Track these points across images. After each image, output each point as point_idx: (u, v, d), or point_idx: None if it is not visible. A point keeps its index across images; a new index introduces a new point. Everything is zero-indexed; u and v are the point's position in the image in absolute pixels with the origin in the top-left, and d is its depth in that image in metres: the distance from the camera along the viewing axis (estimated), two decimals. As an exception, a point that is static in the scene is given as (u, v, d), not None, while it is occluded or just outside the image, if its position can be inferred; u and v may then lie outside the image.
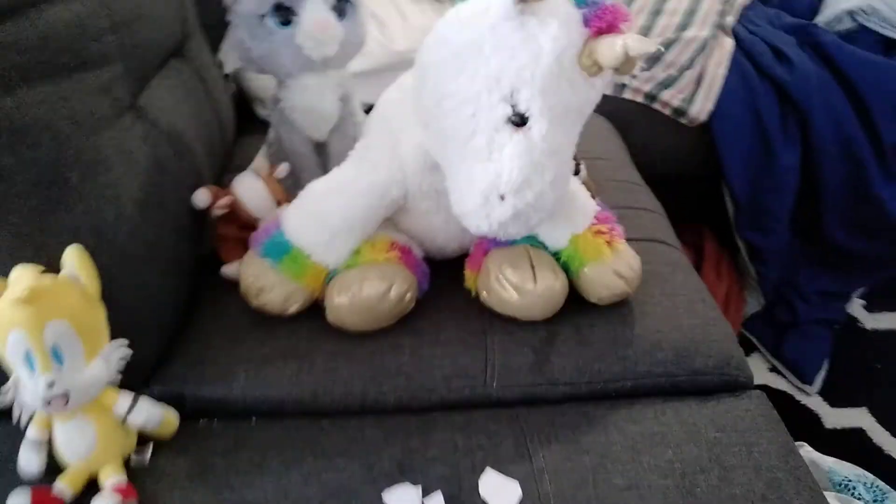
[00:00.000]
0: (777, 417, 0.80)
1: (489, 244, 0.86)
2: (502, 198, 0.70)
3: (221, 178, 1.07)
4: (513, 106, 0.69)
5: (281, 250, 0.81)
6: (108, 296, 0.69)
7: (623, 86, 1.49)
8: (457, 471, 0.72)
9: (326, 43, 0.92)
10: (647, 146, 1.43)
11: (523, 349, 0.83)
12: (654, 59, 1.47)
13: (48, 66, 0.68)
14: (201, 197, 0.89)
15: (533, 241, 0.86)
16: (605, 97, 0.75)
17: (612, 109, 1.44)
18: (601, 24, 0.68)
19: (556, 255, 0.86)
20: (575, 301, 0.86)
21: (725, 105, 1.43)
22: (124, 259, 0.75)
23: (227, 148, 1.20)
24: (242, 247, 0.89)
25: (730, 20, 1.55)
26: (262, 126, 1.06)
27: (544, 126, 0.69)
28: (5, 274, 0.64)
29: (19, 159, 0.65)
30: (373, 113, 0.90)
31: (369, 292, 0.79)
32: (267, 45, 0.91)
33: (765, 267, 1.53)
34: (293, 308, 0.83)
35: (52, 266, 0.66)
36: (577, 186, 0.88)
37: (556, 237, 0.85)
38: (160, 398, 0.75)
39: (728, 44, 1.50)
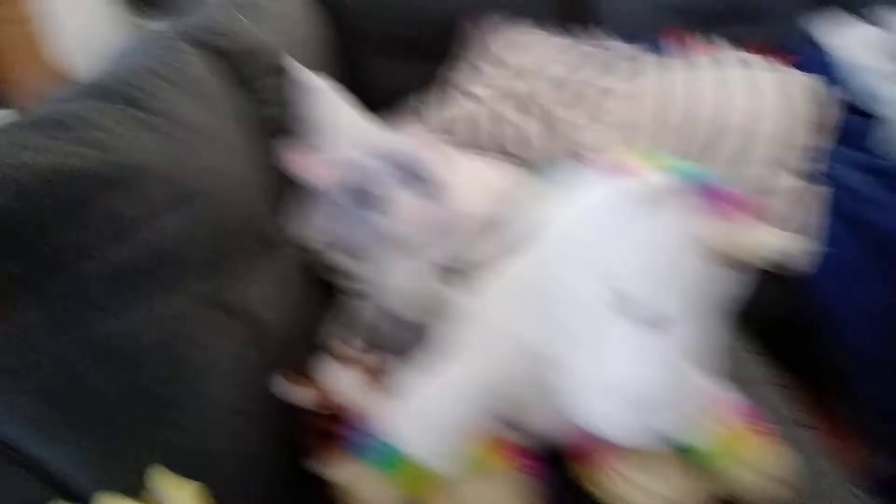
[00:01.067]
0: None
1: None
2: (655, 410, 0.63)
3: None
4: (637, 303, 0.64)
5: (389, 458, 0.75)
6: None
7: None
8: None
9: (418, 229, 0.91)
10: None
11: None
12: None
13: (162, 279, 0.67)
14: (284, 390, 0.84)
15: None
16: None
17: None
18: (724, 209, 0.64)
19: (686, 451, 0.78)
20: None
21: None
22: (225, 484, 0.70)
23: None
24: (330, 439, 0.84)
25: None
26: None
27: (688, 328, 0.64)
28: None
29: (124, 381, 0.62)
30: (468, 299, 0.86)
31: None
32: (358, 231, 0.90)
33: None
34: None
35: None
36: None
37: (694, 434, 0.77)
38: None
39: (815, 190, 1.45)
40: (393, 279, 0.94)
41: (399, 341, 0.99)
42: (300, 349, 0.99)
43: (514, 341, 0.76)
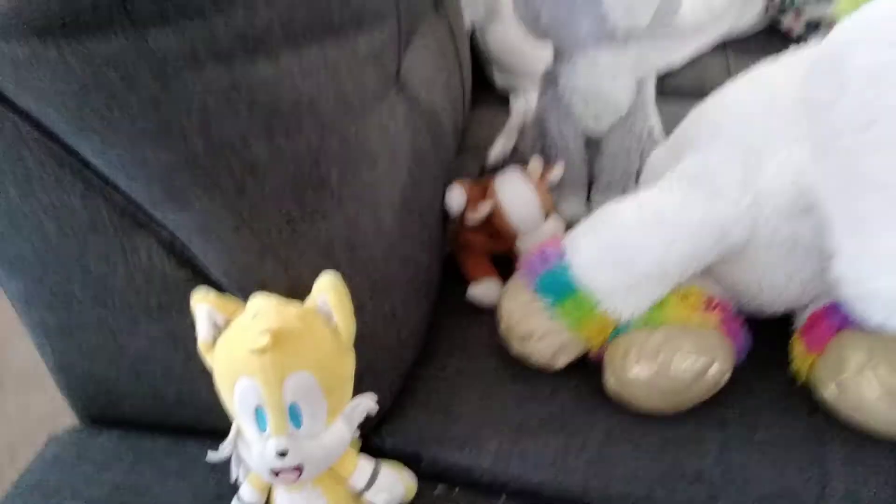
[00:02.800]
0: None
1: (840, 318, 0.62)
2: None
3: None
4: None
5: (563, 290, 0.62)
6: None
7: None
8: None
9: (640, 10, 0.70)
10: None
11: (882, 481, 0.59)
12: None
13: (316, 27, 0.51)
14: (457, 198, 0.71)
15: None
16: None
17: None
18: None
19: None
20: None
21: None
22: (377, 284, 0.59)
23: (464, 124, 1.02)
24: (490, 261, 0.72)
25: None
26: (497, 98, 0.87)
27: None
28: (236, 285, 0.50)
29: (275, 150, 0.49)
30: (703, 114, 0.67)
31: (682, 369, 0.58)
32: (565, 7, 0.71)
33: None
34: (562, 362, 0.64)
35: (295, 288, 0.50)
36: None
37: None
38: (392, 453, 0.60)
39: None
40: (588, 78, 0.75)
41: (577, 158, 0.83)
42: (454, 147, 0.85)
43: (777, 176, 0.58)
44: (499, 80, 1.20)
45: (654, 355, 0.59)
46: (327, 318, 0.49)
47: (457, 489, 0.61)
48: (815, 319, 0.64)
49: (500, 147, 0.97)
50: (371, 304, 0.58)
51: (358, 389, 0.51)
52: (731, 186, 0.58)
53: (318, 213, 0.52)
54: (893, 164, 0.47)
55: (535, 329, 0.63)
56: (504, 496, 0.61)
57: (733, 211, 0.58)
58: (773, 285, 0.62)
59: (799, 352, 0.64)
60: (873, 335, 0.59)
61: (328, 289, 0.48)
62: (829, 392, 0.61)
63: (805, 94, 0.52)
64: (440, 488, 0.61)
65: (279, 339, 0.45)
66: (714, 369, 0.59)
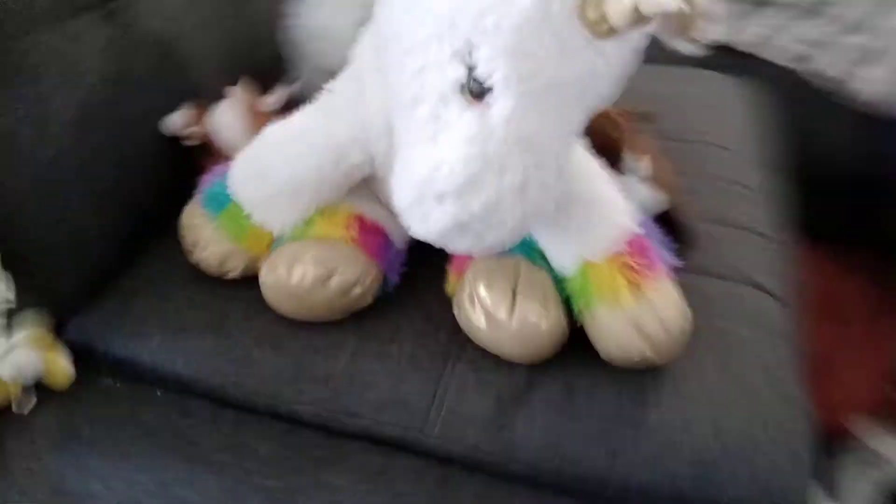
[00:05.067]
0: None
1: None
2: (441, 199, 0.49)
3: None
4: (469, 68, 0.47)
5: (220, 202, 0.67)
6: (18, 222, 0.60)
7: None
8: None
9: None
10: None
11: (487, 396, 0.62)
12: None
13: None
14: (171, 121, 0.76)
15: (537, 255, 0.63)
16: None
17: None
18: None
19: (562, 284, 0.62)
20: (586, 350, 0.62)
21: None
22: (43, 186, 0.65)
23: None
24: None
25: None
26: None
27: (510, 103, 0.46)
28: None
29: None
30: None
31: (300, 277, 0.63)
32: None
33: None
34: (232, 273, 0.69)
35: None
36: (609, 193, 0.63)
37: (562, 259, 0.61)
38: (71, 346, 0.67)
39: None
40: (315, 16, 0.79)
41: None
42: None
43: (374, 101, 0.61)
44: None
45: (278, 265, 0.63)
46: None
47: (118, 383, 0.67)
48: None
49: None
50: (37, 204, 0.65)
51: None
52: (346, 109, 0.62)
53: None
54: (401, 80, 0.50)
55: (200, 239, 0.68)
56: (159, 392, 0.67)
57: (347, 133, 0.61)
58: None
59: (450, 275, 0.67)
60: (496, 258, 0.62)
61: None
62: (455, 312, 0.64)
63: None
64: (105, 381, 0.68)
65: None
66: (335, 280, 0.63)
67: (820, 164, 1.06)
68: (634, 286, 0.58)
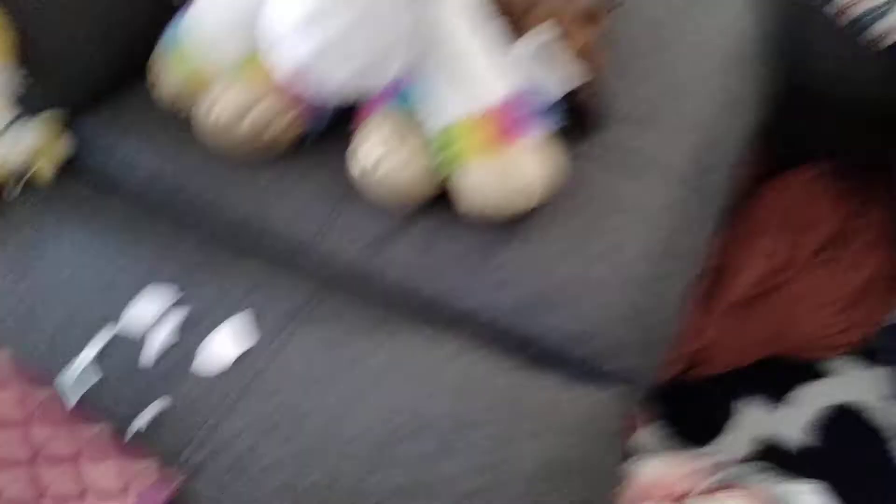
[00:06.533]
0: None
1: (381, 101, 0.72)
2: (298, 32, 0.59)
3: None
4: None
5: (174, 40, 0.77)
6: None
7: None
8: (215, 305, 0.70)
9: None
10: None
11: (376, 220, 0.73)
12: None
13: None
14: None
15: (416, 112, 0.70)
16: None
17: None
18: None
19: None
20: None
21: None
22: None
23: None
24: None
25: None
26: None
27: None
28: None
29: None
30: None
31: (216, 117, 0.73)
32: None
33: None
34: (184, 112, 0.79)
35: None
36: (487, 59, 0.68)
37: (436, 116, 0.68)
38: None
39: None
40: None
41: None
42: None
43: None
44: None
45: (203, 105, 0.75)
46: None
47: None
48: (369, 102, 0.74)
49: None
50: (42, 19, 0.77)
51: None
52: None
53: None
54: None
55: (159, 76, 0.80)
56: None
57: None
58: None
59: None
60: (380, 116, 0.70)
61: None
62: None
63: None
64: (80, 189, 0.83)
65: None
66: (248, 121, 0.73)
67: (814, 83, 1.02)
68: (487, 145, 0.66)
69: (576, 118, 0.76)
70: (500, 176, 0.66)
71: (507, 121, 0.66)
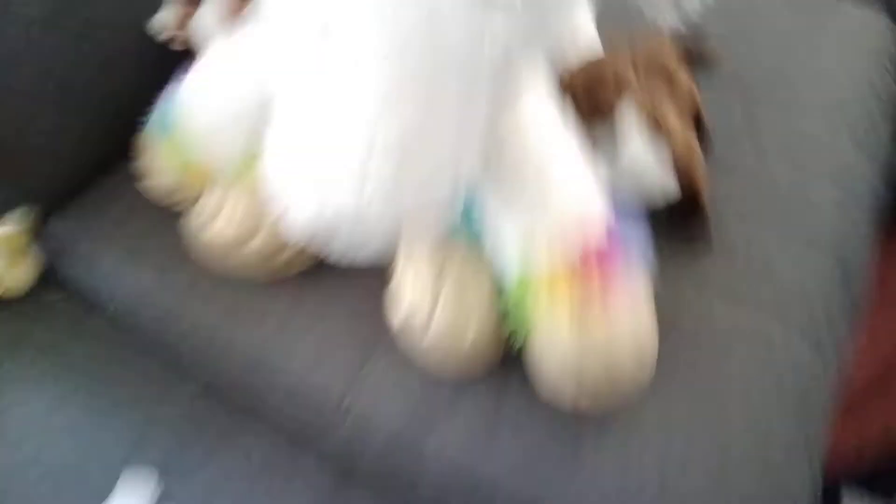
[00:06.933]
0: None
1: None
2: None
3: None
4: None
5: (165, 126, 0.61)
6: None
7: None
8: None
9: None
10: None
11: (402, 403, 0.54)
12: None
13: None
14: (161, 21, 0.69)
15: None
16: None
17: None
18: None
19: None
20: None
21: None
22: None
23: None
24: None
25: None
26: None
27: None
28: None
29: None
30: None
31: (218, 234, 0.56)
32: None
33: None
34: (179, 207, 0.63)
35: None
36: (577, 173, 0.49)
37: (504, 254, 0.49)
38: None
39: None
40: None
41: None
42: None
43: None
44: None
45: (200, 213, 0.58)
46: None
47: (59, 301, 0.68)
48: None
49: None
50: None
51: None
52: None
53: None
54: None
55: (148, 166, 0.63)
56: (113, 307, 0.66)
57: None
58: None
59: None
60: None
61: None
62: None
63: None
64: (58, 295, 0.68)
65: None
66: (257, 242, 0.56)
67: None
68: (581, 311, 0.45)
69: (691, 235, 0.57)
70: (602, 355, 0.45)
71: (596, 269, 0.47)
